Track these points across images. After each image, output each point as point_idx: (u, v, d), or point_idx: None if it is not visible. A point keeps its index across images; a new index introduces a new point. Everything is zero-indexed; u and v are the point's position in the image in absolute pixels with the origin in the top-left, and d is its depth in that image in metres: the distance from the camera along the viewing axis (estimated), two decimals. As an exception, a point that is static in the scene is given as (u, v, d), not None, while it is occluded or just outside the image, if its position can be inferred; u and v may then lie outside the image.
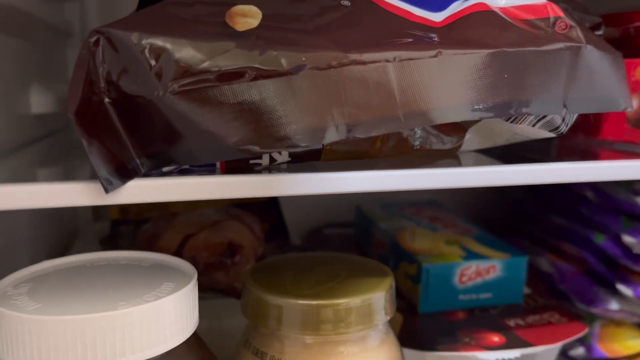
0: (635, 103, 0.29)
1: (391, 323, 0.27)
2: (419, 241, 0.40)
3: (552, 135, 0.25)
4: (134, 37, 0.18)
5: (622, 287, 0.38)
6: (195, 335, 0.23)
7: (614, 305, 0.39)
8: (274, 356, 0.24)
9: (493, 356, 0.32)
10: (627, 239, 0.38)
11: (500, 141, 0.27)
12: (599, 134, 0.32)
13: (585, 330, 0.35)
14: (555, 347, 0.34)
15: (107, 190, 0.18)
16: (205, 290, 0.32)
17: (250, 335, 0.25)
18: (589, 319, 0.40)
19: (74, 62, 0.41)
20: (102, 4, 0.46)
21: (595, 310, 0.39)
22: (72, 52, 0.43)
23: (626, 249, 0.38)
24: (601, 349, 0.39)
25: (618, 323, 0.40)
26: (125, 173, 0.18)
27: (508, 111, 0.21)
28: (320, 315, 0.23)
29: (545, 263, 0.44)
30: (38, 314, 0.19)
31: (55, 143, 0.35)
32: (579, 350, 0.39)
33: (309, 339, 0.23)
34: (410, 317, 0.36)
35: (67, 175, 0.26)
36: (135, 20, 0.19)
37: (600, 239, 0.40)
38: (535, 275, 0.44)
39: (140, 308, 0.20)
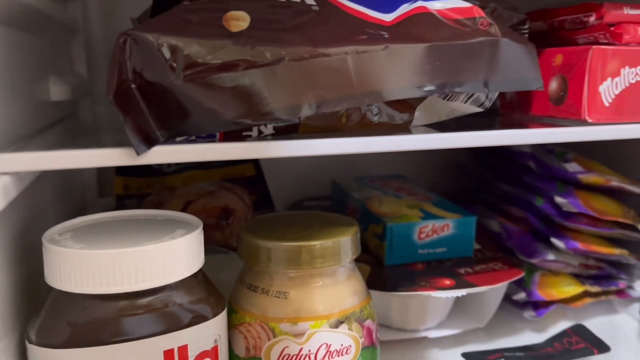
0: (554, 84, 0.36)
1: (361, 273, 0.34)
2: (385, 207, 0.46)
3: (479, 110, 0.31)
4: (153, 37, 0.24)
5: (555, 241, 0.45)
6: (202, 272, 0.29)
7: (550, 256, 0.46)
8: (264, 288, 0.30)
9: (444, 294, 0.38)
10: (559, 199, 0.45)
11: (442, 117, 0.33)
12: (530, 110, 0.38)
13: (522, 275, 0.42)
14: (496, 288, 0.41)
15: (138, 154, 0.24)
16: (205, 247, 0.38)
17: (244, 274, 0.31)
18: (530, 270, 0.47)
19: (79, 56, 0.47)
20: (103, 2, 0.51)
21: (534, 260, 0.46)
22: (76, 47, 0.48)
23: (559, 209, 0.45)
24: (540, 294, 0.46)
25: (555, 273, 0.47)
26: (150, 141, 0.24)
27: (443, 90, 0.28)
28: (301, 254, 0.29)
29: (495, 224, 0.50)
30: (82, 250, 0.25)
31: (68, 127, 0.41)
32: (521, 295, 0.46)
33: (292, 273, 0.30)
34: (377, 269, 0.42)
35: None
36: (153, 24, 0.25)
37: (540, 202, 0.47)
38: (486, 235, 0.51)
39: (160, 245, 0.26)
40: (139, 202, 0.47)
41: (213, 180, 0.48)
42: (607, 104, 0.33)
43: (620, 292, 0.49)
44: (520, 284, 0.47)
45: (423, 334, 0.44)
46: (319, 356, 0.29)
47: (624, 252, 0.46)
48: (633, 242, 0.47)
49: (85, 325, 0.25)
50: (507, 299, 0.47)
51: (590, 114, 0.33)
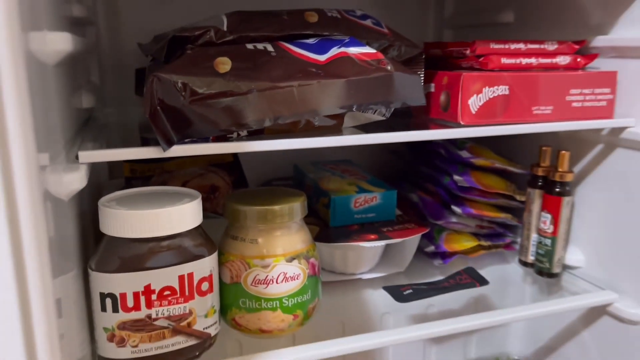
0: (442, 97, 0.52)
1: (312, 232, 0.49)
2: (332, 184, 0.62)
3: (383, 118, 0.47)
4: (170, 77, 0.38)
5: (455, 208, 0.61)
6: (201, 227, 0.44)
7: (452, 219, 0.62)
8: (242, 237, 0.45)
9: (369, 244, 0.54)
10: (457, 177, 0.61)
11: (362, 121, 0.48)
12: (429, 114, 0.54)
13: (427, 230, 0.58)
14: (408, 240, 0.57)
15: (164, 150, 0.38)
16: (198, 214, 0.53)
17: (228, 229, 0.47)
18: (439, 230, 0.63)
19: (93, 69, 0.61)
20: (110, 23, 0.64)
21: (441, 222, 0.62)
22: (92, 62, 0.62)
23: (456, 184, 0.61)
24: (445, 247, 0.62)
25: (457, 232, 0.64)
26: (170, 142, 0.39)
27: (358, 109, 0.43)
28: (267, 214, 0.45)
29: (415, 197, 0.67)
30: (126, 210, 0.40)
31: (92, 126, 0.55)
32: (431, 248, 0.62)
33: (260, 227, 0.45)
34: (325, 229, 0.58)
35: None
36: (169, 68, 0.39)
37: (447, 180, 0.64)
38: (409, 205, 0.67)
39: (175, 207, 0.41)
40: (144, 182, 0.62)
41: (201, 165, 0.62)
42: (474, 112, 0.49)
43: (507, 246, 0.66)
44: (430, 240, 0.63)
45: (358, 277, 0.60)
46: (279, 280, 0.45)
47: (508, 216, 0.63)
48: (515, 209, 0.64)
49: (128, 258, 0.40)
50: (421, 251, 0.63)
51: (463, 118, 0.49)
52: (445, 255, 0.63)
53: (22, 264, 0.26)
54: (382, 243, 0.55)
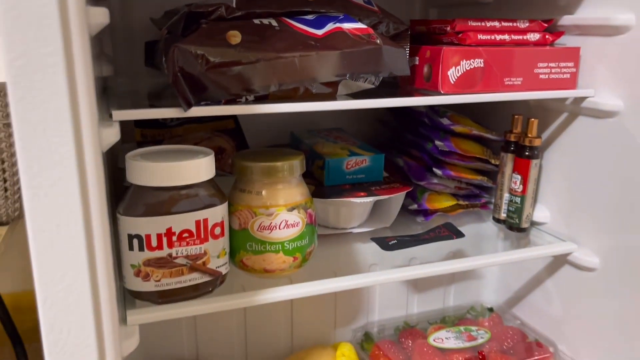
0: (426, 69, 0.58)
1: (309, 189, 0.56)
2: (326, 149, 0.68)
3: (373, 87, 0.53)
4: (189, 47, 0.45)
5: (436, 170, 0.68)
6: (213, 180, 0.50)
7: (434, 180, 0.69)
8: (249, 190, 0.52)
9: (359, 200, 0.61)
10: (438, 143, 0.68)
11: (354, 90, 0.55)
12: (414, 84, 0.60)
13: (410, 189, 0.65)
14: (394, 197, 0.64)
15: (185, 110, 0.45)
16: (207, 172, 0.59)
17: (236, 183, 0.53)
18: (422, 191, 0.71)
19: (107, 41, 0.67)
20: (121, 2, 0.70)
21: (423, 183, 0.69)
22: (105, 35, 0.67)
23: (438, 149, 0.68)
24: (427, 205, 0.69)
25: (439, 192, 0.71)
26: (189, 104, 0.45)
27: (351, 77, 0.49)
28: (270, 170, 0.51)
29: (400, 161, 0.73)
30: (150, 163, 0.46)
31: (110, 93, 0.60)
32: (414, 206, 0.70)
33: (265, 181, 0.52)
34: (320, 187, 0.65)
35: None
36: (188, 40, 0.45)
37: (430, 145, 0.70)
38: (395, 169, 0.73)
39: (192, 161, 0.47)
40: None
41: (206, 131, 0.69)
42: (452, 82, 0.56)
43: (483, 205, 0.73)
44: (414, 199, 0.70)
45: (349, 231, 0.67)
46: (281, 226, 0.52)
47: (484, 178, 0.70)
48: (490, 172, 0.71)
49: (152, 204, 0.47)
50: (406, 209, 0.70)
51: (443, 88, 0.55)
52: (426, 213, 0.70)
53: (88, 203, 0.32)
54: (370, 199, 0.62)
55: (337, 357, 0.65)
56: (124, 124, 0.72)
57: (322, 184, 0.66)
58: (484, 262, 0.59)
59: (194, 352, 0.69)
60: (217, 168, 0.61)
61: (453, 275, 0.80)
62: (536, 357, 0.65)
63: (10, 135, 0.63)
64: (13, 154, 0.64)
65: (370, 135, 0.83)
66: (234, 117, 0.74)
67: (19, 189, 0.68)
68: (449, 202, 0.70)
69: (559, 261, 0.67)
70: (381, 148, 0.74)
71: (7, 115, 0.63)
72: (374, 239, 0.63)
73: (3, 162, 0.63)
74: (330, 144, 0.70)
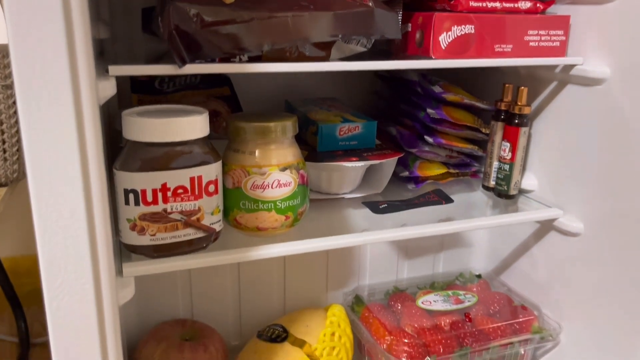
0: (417, 35, 0.59)
1: (303, 154, 0.57)
2: (319, 115, 0.69)
3: (365, 49, 0.54)
4: (185, 6, 0.45)
5: (427, 138, 0.69)
6: (208, 139, 0.52)
7: (425, 147, 0.70)
8: (242, 150, 0.53)
9: (351, 164, 0.62)
10: (430, 111, 0.69)
11: (347, 53, 0.56)
12: (406, 51, 0.62)
13: (402, 155, 0.67)
14: (385, 163, 0.65)
15: (180, 67, 0.46)
16: (202, 135, 0.61)
17: (230, 144, 0.54)
18: (413, 159, 0.72)
19: (104, 8, 0.67)
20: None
21: (414, 150, 0.70)
22: (103, 3, 0.68)
23: (430, 117, 0.70)
24: (418, 172, 0.71)
25: (430, 161, 0.72)
26: (183, 61, 0.46)
27: (343, 39, 0.50)
28: (263, 130, 0.52)
29: (393, 130, 0.75)
30: (147, 119, 0.47)
31: (108, 57, 0.61)
32: (406, 173, 0.71)
33: (258, 141, 0.53)
34: (313, 152, 0.66)
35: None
36: (183, -2, 0.46)
37: (422, 114, 0.71)
38: (387, 137, 0.75)
39: (187, 118, 0.48)
40: (151, 111, 0.69)
41: (202, 98, 0.70)
42: (444, 47, 0.57)
43: (473, 174, 0.74)
44: (406, 166, 0.72)
45: (341, 196, 0.68)
46: (274, 186, 0.53)
47: (474, 147, 0.72)
48: (480, 141, 0.73)
49: (148, 159, 0.48)
50: (397, 176, 0.72)
51: (434, 53, 0.57)
52: (417, 180, 0.71)
53: (86, 155, 0.34)
54: (362, 164, 0.63)
55: (327, 318, 0.67)
56: (121, 91, 0.74)
57: (315, 149, 0.67)
58: (471, 225, 0.61)
59: (189, 311, 0.71)
60: (211, 130, 0.62)
61: (442, 242, 0.81)
62: (520, 319, 0.67)
63: (9, 96, 0.64)
64: (12, 115, 0.65)
65: (364, 106, 0.84)
66: (229, 85, 0.75)
67: (18, 150, 0.69)
68: (439, 170, 0.72)
69: (545, 228, 0.69)
70: (374, 118, 0.75)
71: (6, 77, 0.64)
72: (365, 203, 0.65)
73: (2, 124, 0.64)
74: (324, 111, 0.71)
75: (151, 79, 0.71)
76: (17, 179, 0.71)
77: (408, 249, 0.80)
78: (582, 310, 0.65)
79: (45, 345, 0.84)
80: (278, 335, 0.63)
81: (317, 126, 0.66)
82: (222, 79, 0.73)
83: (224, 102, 0.69)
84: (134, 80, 0.71)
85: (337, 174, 0.66)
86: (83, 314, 0.40)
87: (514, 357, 0.68)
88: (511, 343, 0.65)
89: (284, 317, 0.68)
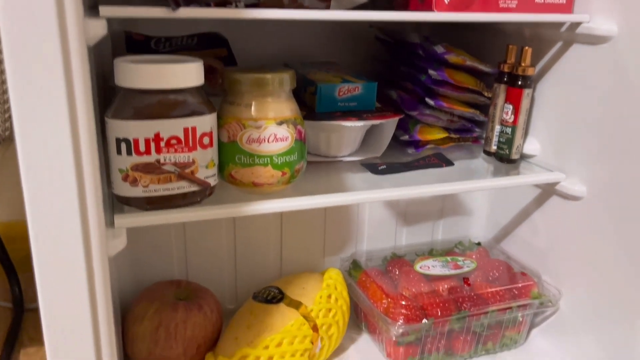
0: (420, -11, 0.57)
1: (302, 114, 0.55)
2: (318, 76, 0.68)
3: (365, 1, 0.52)
4: (178, -55, 0.44)
5: (428, 100, 0.68)
6: (202, 89, 0.50)
7: (426, 111, 0.69)
8: (238, 102, 0.52)
9: (350, 124, 0.61)
10: (432, 72, 0.67)
11: (348, 5, 0.54)
12: (409, 7, 0.60)
13: (402, 116, 0.65)
14: (385, 126, 0.64)
15: (173, 10, 0.44)
16: (197, 91, 0.59)
17: (226, 96, 0.53)
18: (414, 123, 0.70)
19: None
20: None
21: (415, 113, 0.69)
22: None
23: (433, 80, 0.68)
24: (418, 136, 0.69)
25: (430, 125, 0.71)
26: (178, 5, 0.45)
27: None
28: (260, 81, 0.51)
29: (394, 94, 0.73)
30: (140, 64, 0.46)
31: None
32: (406, 137, 0.70)
33: (255, 93, 0.51)
34: (311, 113, 0.64)
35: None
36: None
37: (423, 77, 0.70)
38: (388, 101, 0.73)
39: (182, 65, 0.47)
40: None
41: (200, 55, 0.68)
42: (447, 2, 0.55)
43: (474, 140, 0.73)
44: (406, 130, 0.70)
45: (339, 159, 0.67)
46: (270, 140, 0.52)
47: (476, 112, 0.70)
48: (482, 106, 0.71)
49: (140, 107, 0.47)
50: (397, 140, 0.70)
51: (436, 7, 0.55)
52: (417, 145, 0.70)
53: (73, 97, 0.32)
54: (361, 123, 0.62)
55: (324, 280, 0.66)
56: (116, 52, 0.72)
57: (313, 111, 0.66)
58: (471, 186, 0.60)
59: (184, 276, 0.70)
60: (208, 87, 0.61)
61: (442, 209, 0.80)
62: (519, 285, 0.66)
63: (-1, 51, 0.63)
64: (2, 71, 0.64)
65: (363, 71, 0.82)
66: (226, 46, 0.73)
67: (9, 108, 0.67)
68: (440, 135, 0.70)
69: (547, 193, 0.68)
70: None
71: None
72: (364, 164, 0.64)
73: (-8, 78, 0.63)
74: (323, 73, 0.70)
75: (147, 39, 0.69)
76: (9, 138, 0.69)
77: (407, 215, 0.79)
78: (582, 277, 0.64)
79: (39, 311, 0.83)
80: (274, 296, 0.63)
81: (315, 86, 0.65)
82: (219, 40, 0.71)
83: (222, 61, 0.68)
84: (130, 41, 0.69)
85: (336, 134, 0.65)
86: (71, 263, 0.39)
87: (513, 322, 0.67)
88: (510, 308, 0.64)
89: (280, 280, 0.67)
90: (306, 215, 0.74)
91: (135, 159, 0.47)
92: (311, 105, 0.66)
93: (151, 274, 0.68)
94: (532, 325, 0.71)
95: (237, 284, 0.73)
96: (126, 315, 0.60)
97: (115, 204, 0.51)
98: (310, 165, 0.64)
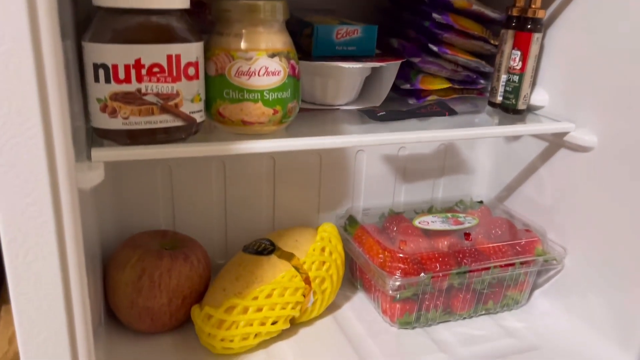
0: None
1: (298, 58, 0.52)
2: (315, 19, 0.64)
3: None
4: None
5: (432, 46, 0.64)
6: (189, 17, 0.46)
7: (428, 58, 0.65)
8: (227, 32, 0.48)
9: (348, 65, 0.57)
10: (436, 16, 0.63)
11: None
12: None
13: (403, 60, 0.62)
14: (384, 73, 0.60)
15: None
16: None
17: (215, 28, 0.49)
18: (415, 72, 0.67)
19: None
20: None
21: (417, 60, 0.65)
22: None
23: (437, 25, 0.64)
24: (420, 86, 0.66)
25: (433, 75, 0.67)
26: None
27: None
28: (251, 8, 0.47)
29: (395, 42, 0.69)
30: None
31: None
32: (407, 85, 0.66)
33: (246, 21, 0.48)
34: (308, 57, 0.61)
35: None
36: None
37: (427, 23, 0.66)
38: (389, 50, 0.69)
39: (165, -14, 0.43)
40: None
41: None
42: None
43: (479, 92, 0.69)
44: (407, 79, 0.66)
45: (336, 107, 0.63)
46: (261, 73, 0.48)
47: (482, 61, 0.67)
48: (489, 56, 0.67)
49: (120, 30, 0.43)
50: (397, 90, 0.67)
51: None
52: (419, 95, 0.66)
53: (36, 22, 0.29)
54: (360, 65, 0.58)
55: (318, 234, 0.62)
56: None
57: (309, 54, 0.62)
58: (476, 133, 0.56)
59: (170, 225, 0.67)
60: (195, 23, 0.57)
61: (443, 167, 0.77)
62: (523, 241, 0.63)
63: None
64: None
65: (363, 20, 0.78)
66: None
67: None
68: (443, 84, 0.67)
69: (554, 146, 0.64)
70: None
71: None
72: (362, 110, 0.60)
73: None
74: (321, 16, 0.66)
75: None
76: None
77: (406, 172, 0.75)
78: (589, 235, 0.61)
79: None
80: (265, 248, 0.59)
81: (312, 28, 0.61)
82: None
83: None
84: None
85: (333, 80, 0.61)
86: (37, 193, 0.35)
87: (515, 281, 0.64)
88: (512, 264, 0.61)
89: (273, 233, 0.63)
90: (300, 169, 0.70)
91: (114, 87, 0.44)
92: (307, 49, 0.63)
93: (137, 226, 0.64)
94: (535, 287, 0.68)
95: (227, 239, 0.70)
96: (108, 263, 0.57)
97: (95, 139, 0.47)
98: (305, 113, 0.61)
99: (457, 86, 0.67)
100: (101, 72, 0.43)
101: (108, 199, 0.62)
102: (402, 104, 0.67)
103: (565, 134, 0.61)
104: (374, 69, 0.65)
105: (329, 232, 0.63)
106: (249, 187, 0.68)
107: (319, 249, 0.60)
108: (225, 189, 0.67)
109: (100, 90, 0.44)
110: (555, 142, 0.64)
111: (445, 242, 0.63)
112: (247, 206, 0.69)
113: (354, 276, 0.69)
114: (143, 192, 0.64)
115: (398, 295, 0.59)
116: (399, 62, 0.61)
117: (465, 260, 0.60)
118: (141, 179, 0.64)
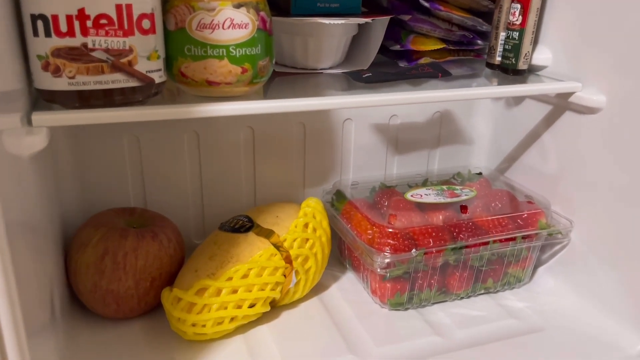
0: None
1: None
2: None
3: None
4: None
5: (423, 2, 0.58)
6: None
7: (420, 16, 0.59)
8: (186, -21, 0.43)
9: (330, 21, 0.52)
10: (427, -32, 0.57)
11: None
12: None
13: (392, 15, 0.56)
14: (372, 23, 0.55)
15: None
16: None
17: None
18: (406, 33, 0.61)
19: None
20: None
21: (407, 18, 0.59)
22: None
23: (427, -23, 0.58)
24: (411, 46, 0.60)
25: (426, 35, 0.61)
26: None
27: None
28: (211, -47, 0.42)
29: (384, 2, 0.63)
30: None
31: None
32: (397, 47, 0.60)
33: (205, -33, 0.42)
34: (286, 15, 0.55)
35: None
36: None
37: (418, -22, 0.60)
38: (378, 8, 0.64)
39: None
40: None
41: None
42: None
43: (476, 54, 0.64)
44: (397, 40, 0.61)
45: (320, 71, 0.58)
46: (225, 26, 0.43)
47: (479, 19, 0.61)
48: (485, 14, 0.61)
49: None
50: (387, 51, 0.61)
51: None
52: (410, 57, 0.61)
53: None
54: (343, 21, 0.52)
55: (301, 209, 0.57)
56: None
57: (288, 11, 0.56)
58: (472, 93, 0.51)
59: (141, 201, 0.62)
60: None
61: (438, 137, 0.71)
62: (525, 214, 0.58)
63: None
64: None
65: None
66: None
67: None
68: (436, 45, 0.61)
69: (559, 109, 0.59)
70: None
71: None
72: (347, 73, 0.55)
73: None
74: (301, -27, 0.60)
75: None
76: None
77: (398, 143, 0.70)
78: (597, 206, 0.55)
79: None
80: (242, 225, 0.54)
81: (290, -18, 0.55)
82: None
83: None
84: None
85: (314, 39, 0.55)
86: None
87: (517, 257, 0.59)
88: (514, 239, 0.56)
89: (252, 209, 0.58)
90: (282, 140, 0.65)
91: (56, 41, 0.39)
92: (285, 6, 0.57)
93: (104, 205, 0.59)
94: (538, 263, 0.63)
95: (204, 218, 0.65)
96: (69, 244, 0.52)
97: (43, 104, 0.42)
98: (285, 78, 0.55)
99: (452, 47, 0.62)
100: (40, 24, 0.38)
101: (69, 174, 0.58)
102: (392, 67, 0.61)
103: (570, 94, 0.55)
104: (360, 28, 0.60)
105: (312, 207, 0.58)
106: (226, 161, 0.63)
107: (302, 225, 0.55)
108: (200, 163, 0.62)
109: (41, 45, 0.39)
110: (560, 105, 0.59)
111: (440, 216, 0.58)
112: (225, 181, 0.64)
113: (343, 255, 0.64)
114: (110, 167, 0.59)
115: (388, 274, 0.54)
116: (387, 18, 0.56)
117: (461, 235, 0.55)
118: (106, 151, 0.59)
